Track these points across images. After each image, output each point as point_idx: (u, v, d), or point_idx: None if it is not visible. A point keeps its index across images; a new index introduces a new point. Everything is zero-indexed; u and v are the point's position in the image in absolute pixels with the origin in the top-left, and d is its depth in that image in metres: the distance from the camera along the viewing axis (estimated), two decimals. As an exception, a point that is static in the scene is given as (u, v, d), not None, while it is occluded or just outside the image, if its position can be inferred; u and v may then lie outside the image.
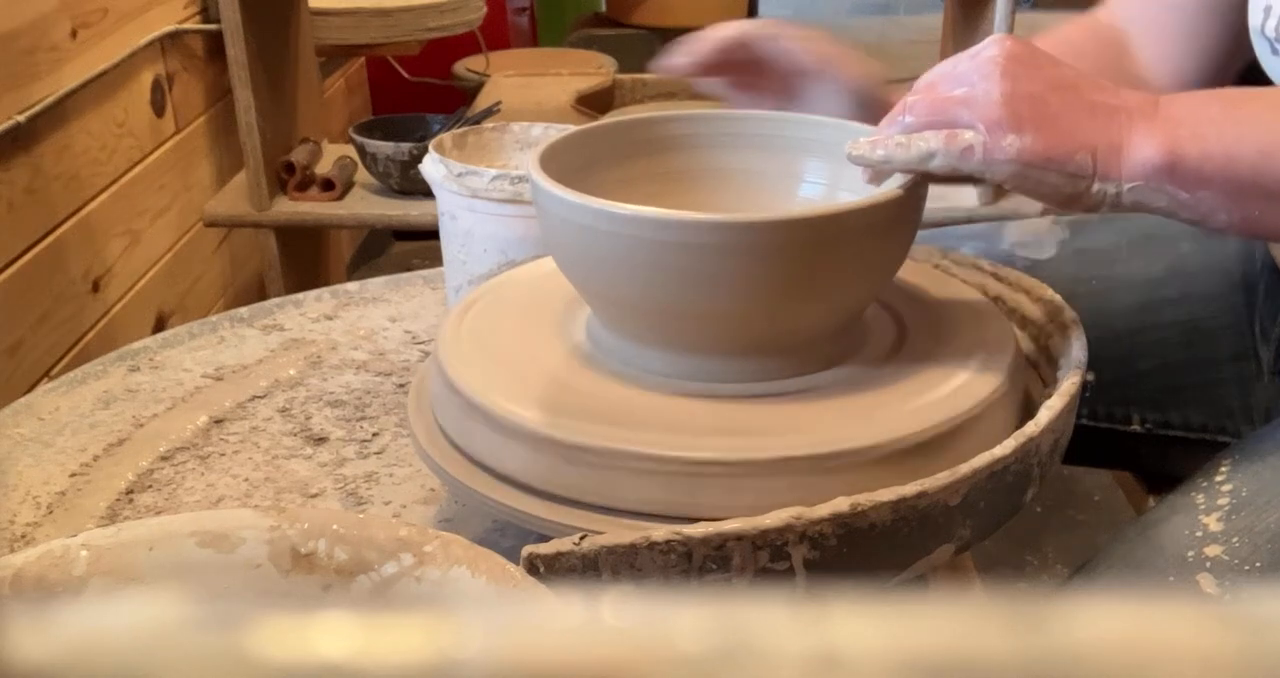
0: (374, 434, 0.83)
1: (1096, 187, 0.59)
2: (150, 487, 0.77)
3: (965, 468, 0.54)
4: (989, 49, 0.60)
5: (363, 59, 2.48)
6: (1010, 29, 1.56)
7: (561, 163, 0.66)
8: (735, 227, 0.57)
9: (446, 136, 0.92)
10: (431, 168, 0.88)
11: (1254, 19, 0.74)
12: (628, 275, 0.59)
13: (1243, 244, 0.84)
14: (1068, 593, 0.64)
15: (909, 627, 0.15)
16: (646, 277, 0.59)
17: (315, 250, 1.92)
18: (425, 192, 1.51)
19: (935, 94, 0.60)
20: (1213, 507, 0.63)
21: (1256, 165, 0.57)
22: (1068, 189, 0.59)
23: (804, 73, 0.72)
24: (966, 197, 1.41)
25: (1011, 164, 0.58)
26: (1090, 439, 0.83)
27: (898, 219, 0.61)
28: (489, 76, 2.25)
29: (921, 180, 0.61)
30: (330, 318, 1.01)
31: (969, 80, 0.59)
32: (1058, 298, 0.70)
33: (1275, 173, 0.57)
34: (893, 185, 0.62)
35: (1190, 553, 0.61)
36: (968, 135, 0.58)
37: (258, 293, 1.87)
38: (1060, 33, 0.83)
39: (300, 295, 1.03)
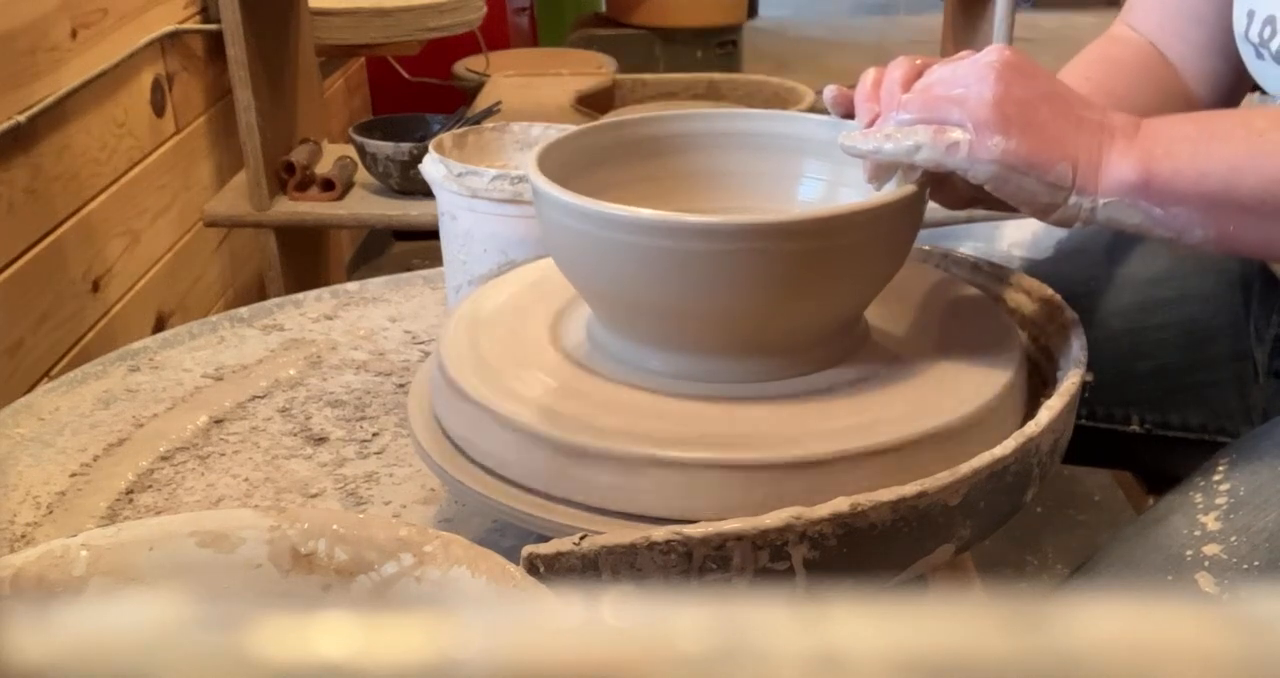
0: (374, 434, 0.83)
1: (1073, 199, 0.60)
2: (150, 487, 0.77)
3: (965, 468, 0.54)
4: (987, 55, 0.61)
5: (363, 59, 2.47)
6: (1010, 29, 1.56)
7: (560, 163, 0.66)
8: (732, 229, 0.57)
9: (446, 136, 0.92)
10: (431, 168, 0.88)
11: (1238, 24, 0.74)
12: (626, 276, 0.59)
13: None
14: (1067, 593, 0.64)
15: (909, 627, 0.15)
16: (644, 278, 0.59)
17: (315, 250, 1.92)
18: (425, 192, 1.51)
19: (931, 93, 0.61)
20: (1211, 506, 0.63)
21: (1227, 180, 0.58)
22: (1045, 198, 0.60)
23: None
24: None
25: (994, 165, 0.59)
26: (1090, 439, 0.83)
27: (897, 222, 0.61)
28: (489, 76, 2.25)
29: (922, 184, 0.62)
30: (330, 318, 1.01)
31: (964, 82, 0.60)
32: (1057, 298, 0.70)
33: (1246, 187, 0.58)
34: (893, 187, 0.63)
35: (1189, 552, 0.61)
36: (955, 133, 0.59)
37: (258, 293, 1.87)
38: (1097, 50, 0.84)
39: (300, 295, 1.03)
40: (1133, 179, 0.59)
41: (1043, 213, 0.61)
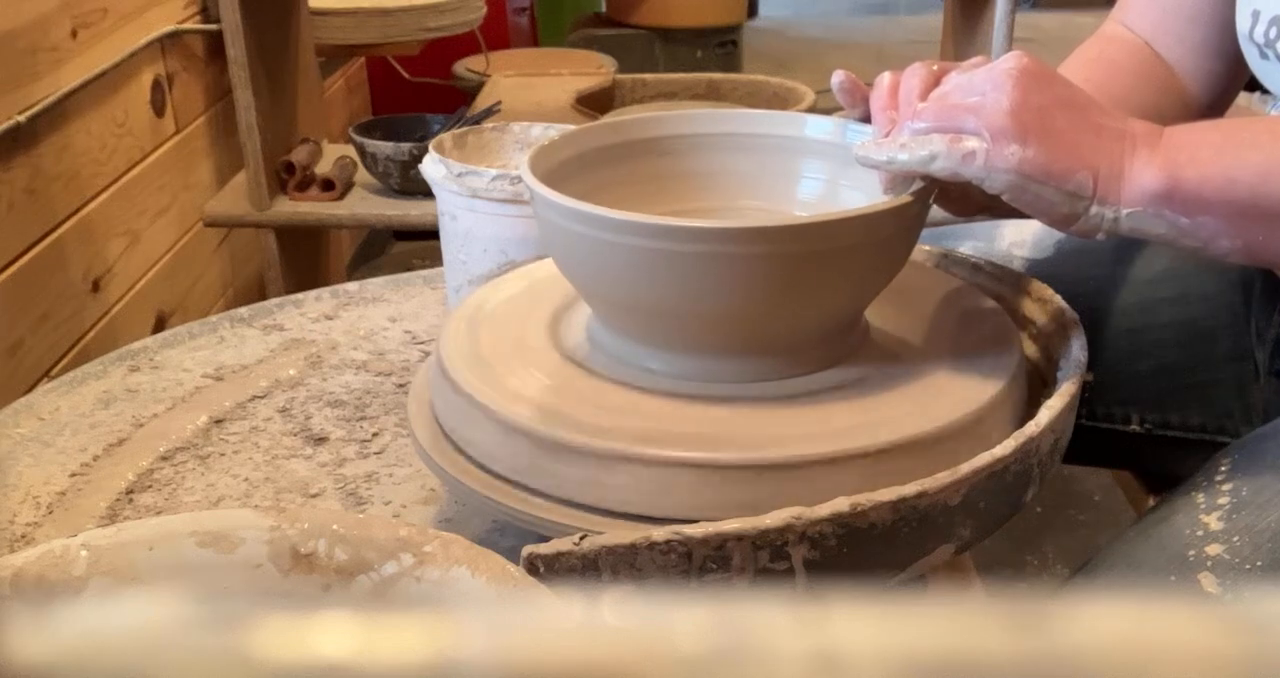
0: (374, 434, 0.83)
1: (1094, 209, 0.59)
2: (150, 487, 0.77)
3: (965, 468, 0.54)
4: (1005, 62, 0.60)
5: (363, 59, 2.47)
6: (1010, 29, 1.56)
7: (557, 164, 0.66)
8: (726, 232, 0.57)
9: (446, 136, 0.92)
10: (431, 168, 0.88)
11: (1242, 24, 0.74)
12: (622, 278, 0.59)
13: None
14: (1068, 593, 0.64)
15: (909, 627, 0.15)
16: (640, 280, 0.59)
17: (315, 250, 1.92)
18: (425, 192, 1.51)
19: (947, 101, 0.61)
20: (1213, 506, 0.63)
21: (1255, 187, 0.57)
22: (1064, 208, 0.59)
23: None
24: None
25: (1011, 174, 0.58)
26: (1090, 439, 0.83)
27: (895, 229, 0.60)
28: (489, 76, 2.25)
29: (927, 189, 0.61)
30: (330, 318, 1.01)
31: (981, 89, 0.59)
32: (1058, 298, 0.70)
33: (1274, 194, 0.57)
34: (903, 193, 0.62)
35: (1191, 552, 0.61)
36: (971, 141, 0.58)
37: (258, 293, 1.87)
38: (1093, 50, 0.84)
39: (300, 295, 1.03)
40: (1157, 188, 0.58)
41: (1063, 223, 0.60)
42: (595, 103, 2.08)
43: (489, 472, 0.61)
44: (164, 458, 0.80)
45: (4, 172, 1.19)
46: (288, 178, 1.67)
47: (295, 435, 0.82)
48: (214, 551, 0.49)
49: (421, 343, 0.96)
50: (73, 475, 0.78)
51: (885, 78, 0.66)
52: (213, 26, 1.65)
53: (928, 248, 0.78)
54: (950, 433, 0.59)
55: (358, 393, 0.88)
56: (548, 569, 0.52)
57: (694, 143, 0.72)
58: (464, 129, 0.95)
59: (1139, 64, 0.82)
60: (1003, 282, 0.75)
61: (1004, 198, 0.60)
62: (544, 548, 0.52)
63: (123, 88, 1.47)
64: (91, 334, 1.37)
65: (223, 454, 0.80)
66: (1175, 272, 0.85)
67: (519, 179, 0.83)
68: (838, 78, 0.68)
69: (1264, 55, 0.73)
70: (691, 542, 0.51)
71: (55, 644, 0.16)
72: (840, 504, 0.52)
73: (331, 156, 1.77)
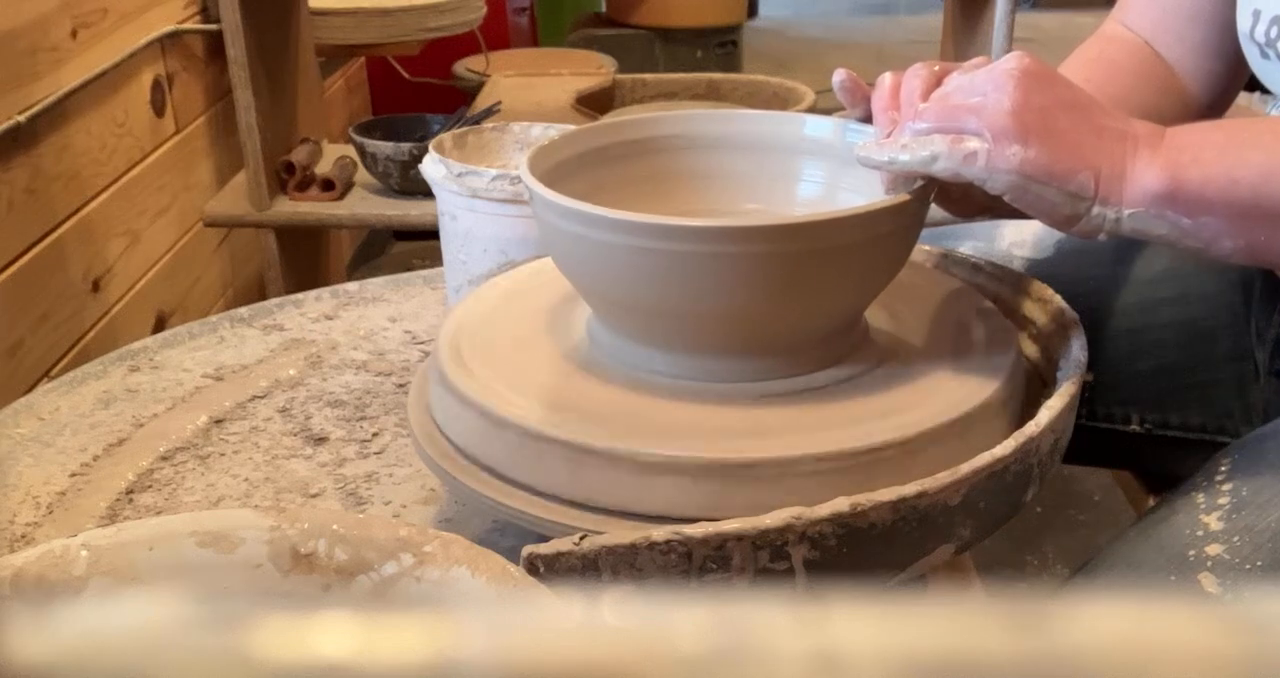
0: (374, 434, 0.83)
1: (1096, 210, 0.59)
2: (150, 487, 0.77)
3: (965, 468, 0.54)
4: (1006, 62, 0.60)
5: (363, 59, 2.48)
6: (1010, 29, 1.56)
7: (556, 164, 0.66)
8: (722, 231, 0.57)
9: (446, 136, 0.92)
10: (431, 168, 0.88)
11: (1243, 24, 0.74)
12: (621, 278, 0.59)
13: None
14: (1068, 593, 0.64)
15: (909, 627, 0.15)
16: (638, 279, 0.59)
17: (315, 250, 1.92)
18: (425, 192, 1.51)
19: (948, 102, 0.60)
20: (1213, 506, 0.63)
21: (1257, 188, 0.57)
22: (1066, 209, 0.59)
23: None
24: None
25: (1013, 174, 0.57)
26: (1090, 439, 0.83)
27: (893, 228, 0.60)
28: (489, 76, 2.25)
29: (926, 188, 0.61)
30: (330, 318, 1.01)
31: (982, 90, 0.59)
32: (1058, 298, 0.70)
33: (1276, 194, 0.57)
34: (903, 192, 0.62)
35: (1191, 552, 0.61)
36: (973, 142, 0.58)
37: (258, 293, 1.87)
38: (1094, 50, 0.83)
39: (300, 295, 1.03)
40: (1159, 188, 0.58)
41: (1065, 224, 0.60)
42: (595, 103, 2.08)
43: (489, 472, 0.61)
44: (164, 458, 0.80)
45: (4, 171, 1.19)
46: (288, 178, 1.67)
47: (295, 435, 0.82)
48: (214, 551, 0.49)
49: (421, 343, 0.96)
50: (73, 475, 0.78)
51: (887, 78, 0.66)
52: (213, 26, 1.65)
53: (928, 248, 0.78)
54: (949, 433, 0.59)
55: (358, 393, 0.88)
56: (548, 569, 0.52)
57: (693, 143, 0.72)
58: (464, 129, 0.95)
59: (1139, 64, 0.82)
60: (1003, 282, 0.75)
61: (1005, 199, 0.59)
62: (544, 548, 0.52)
63: (123, 88, 1.47)
64: (91, 334, 1.37)
65: (223, 454, 0.80)
66: (1175, 272, 0.85)
67: (519, 179, 0.83)
68: (839, 76, 0.68)
69: (1265, 55, 0.73)
70: (691, 542, 0.51)
71: (55, 644, 0.16)
72: (840, 504, 0.52)
73: (331, 157, 1.77)
